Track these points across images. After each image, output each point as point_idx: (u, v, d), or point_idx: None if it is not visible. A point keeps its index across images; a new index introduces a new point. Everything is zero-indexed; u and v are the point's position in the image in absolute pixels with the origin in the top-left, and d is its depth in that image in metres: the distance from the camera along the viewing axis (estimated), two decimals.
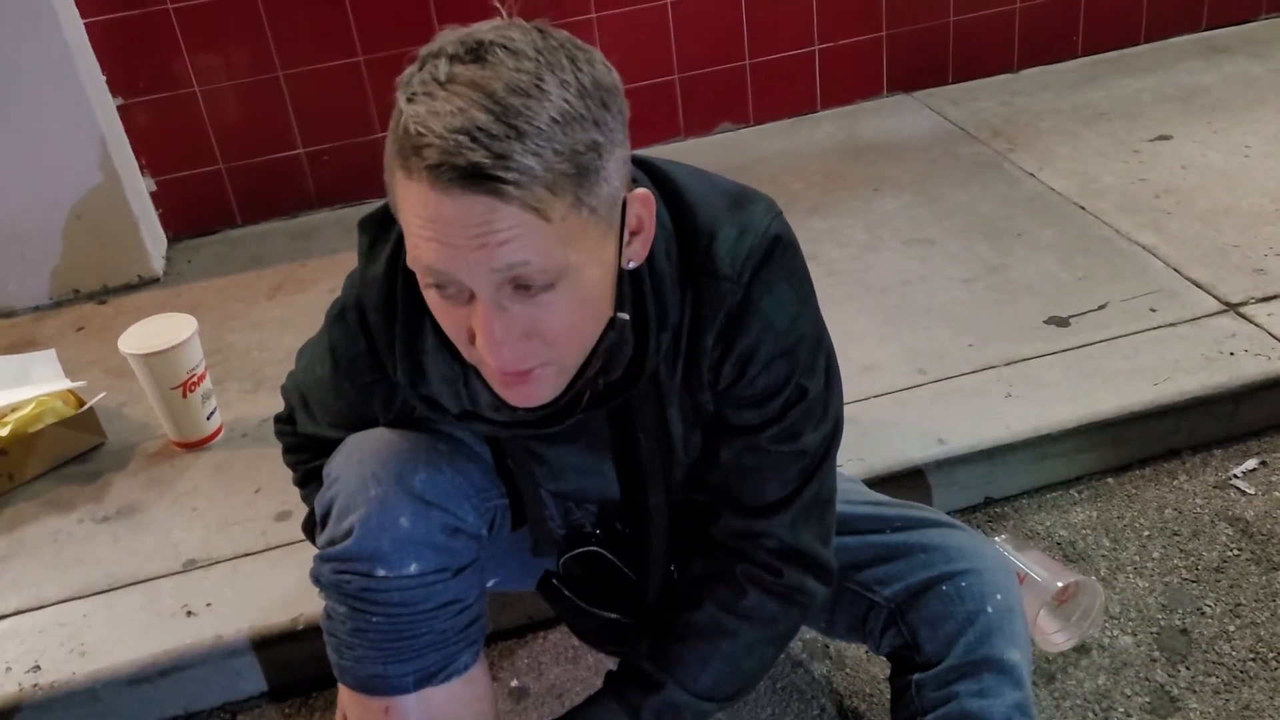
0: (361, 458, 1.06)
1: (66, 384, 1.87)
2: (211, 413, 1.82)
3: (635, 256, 0.92)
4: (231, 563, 1.58)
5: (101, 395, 1.87)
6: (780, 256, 0.99)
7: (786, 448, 1.05)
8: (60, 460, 1.81)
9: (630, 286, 0.95)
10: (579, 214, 0.82)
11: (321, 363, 1.10)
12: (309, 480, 1.23)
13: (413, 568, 1.02)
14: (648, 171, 1.00)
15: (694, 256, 0.97)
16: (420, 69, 0.81)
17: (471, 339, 0.87)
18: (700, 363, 1.01)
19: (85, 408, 1.82)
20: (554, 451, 1.12)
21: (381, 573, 1.02)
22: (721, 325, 0.99)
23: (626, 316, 0.93)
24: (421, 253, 0.82)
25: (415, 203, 0.81)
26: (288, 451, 1.26)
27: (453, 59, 0.80)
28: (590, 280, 0.86)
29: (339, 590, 1.04)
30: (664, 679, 1.11)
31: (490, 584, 1.23)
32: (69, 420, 1.80)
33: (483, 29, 0.82)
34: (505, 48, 0.80)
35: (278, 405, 1.25)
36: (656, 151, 2.89)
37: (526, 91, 0.78)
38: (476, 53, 0.80)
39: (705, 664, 1.11)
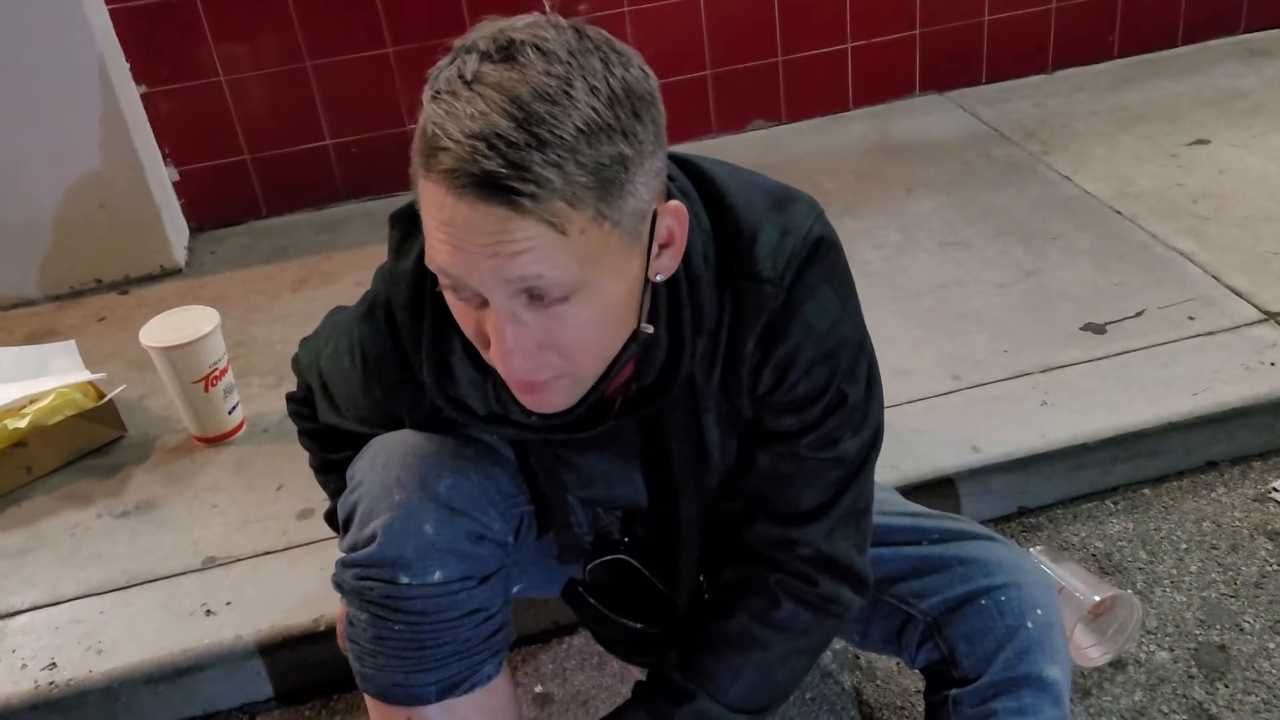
0: (386, 462, 1.03)
1: (86, 375, 1.85)
2: (233, 407, 1.80)
3: (664, 270, 0.89)
4: (252, 561, 1.56)
5: (122, 388, 1.86)
6: (823, 258, 0.96)
7: (825, 454, 1.02)
8: (79, 453, 1.80)
9: (665, 289, 0.92)
10: (600, 228, 0.79)
11: (350, 356, 1.08)
12: (328, 469, 1.21)
13: (437, 575, 1.00)
14: (686, 170, 0.97)
15: (734, 259, 0.94)
16: (450, 63, 0.79)
17: (486, 343, 0.85)
18: (739, 368, 0.98)
19: (105, 400, 1.81)
20: (584, 459, 1.09)
21: (405, 580, 0.99)
22: (762, 329, 0.96)
23: (651, 329, 0.90)
24: (436, 254, 0.80)
25: (432, 204, 0.79)
26: (305, 435, 1.23)
27: (483, 56, 0.77)
28: (610, 294, 0.83)
29: (361, 597, 1.02)
30: (694, 689, 1.08)
31: (514, 590, 1.21)
32: (88, 412, 1.78)
33: (517, 25, 0.79)
34: (537, 48, 0.77)
35: None
36: (688, 149, 2.87)
37: (553, 98, 0.75)
38: (507, 51, 0.77)
39: (737, 675, 1.08)
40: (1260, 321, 1.85)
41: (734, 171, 0.99)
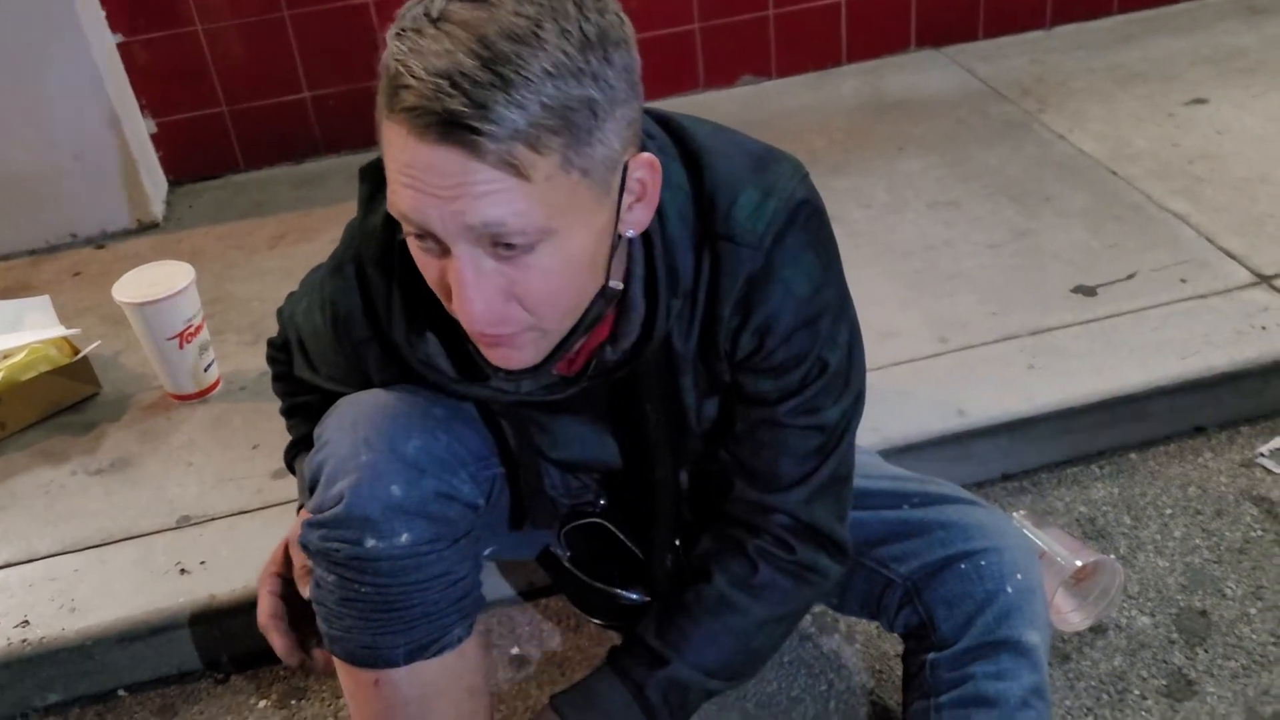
0: (354, 420, 1.01)
1: (61, 331, 1.83)
2: (209, 365, 1.78)
3: (636, 224, 0.87)
4: (227, 520, 1.54)
5: (96, 344, 1.83)
6: (806, 222, 0.94)
7: (804, 422, 1.01)
8: (53, 409, 1.77)
9: (641, 249, 0.90)
10: (567, 175, 0.77)
11: (321, 313, 1.06)
12: (296, 413, 1.20)
13: (404, 538, 0.98)
14: (667, 128, 0.94)
15: (714, 220, 0.92)
16: (418, 1, 0.76)
17: (449, 294, 0.82)
18: (717, 331, 0.96)
19: (79, 356, 1.78)
20: (558, 421, 1.07)
21: (371, 542, 0.97)
22: (741, 293, 0.94)
23: (620, 285, 0.88)
24: (398, 198, 0.78)
25: (394, 145, 0.76)
26: (278, 379, 1.22)
27: None
28: (577, 245, 0.81)
29: (327, 558, 0.99)
30: (670, 655, 1.07)
31: (487, 553, 1.19)
32: (63, 368, 1.76)
33: None
34: None
35: None
36: (675, 104, 2.80)
37: (521, 38, 0.73)
38: None
39: (713, 641, 1.07)
40: (1253, 285, 1.82)
41: (717, 130, 0.97)
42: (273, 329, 1.22)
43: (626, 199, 0.84)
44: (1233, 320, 1.74)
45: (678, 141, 0.94)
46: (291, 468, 1.22)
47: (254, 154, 2.54)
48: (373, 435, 0.99)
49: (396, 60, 0.74)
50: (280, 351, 1.20)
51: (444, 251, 0.80)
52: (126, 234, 2.34)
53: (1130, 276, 1.87)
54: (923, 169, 2.28)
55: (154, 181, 2.41)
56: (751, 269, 0.92)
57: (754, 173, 0.93)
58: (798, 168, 0.96)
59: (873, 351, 1.69)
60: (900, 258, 1.99)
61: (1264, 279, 1.83)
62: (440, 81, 0.72)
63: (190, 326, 1.70)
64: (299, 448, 1.18)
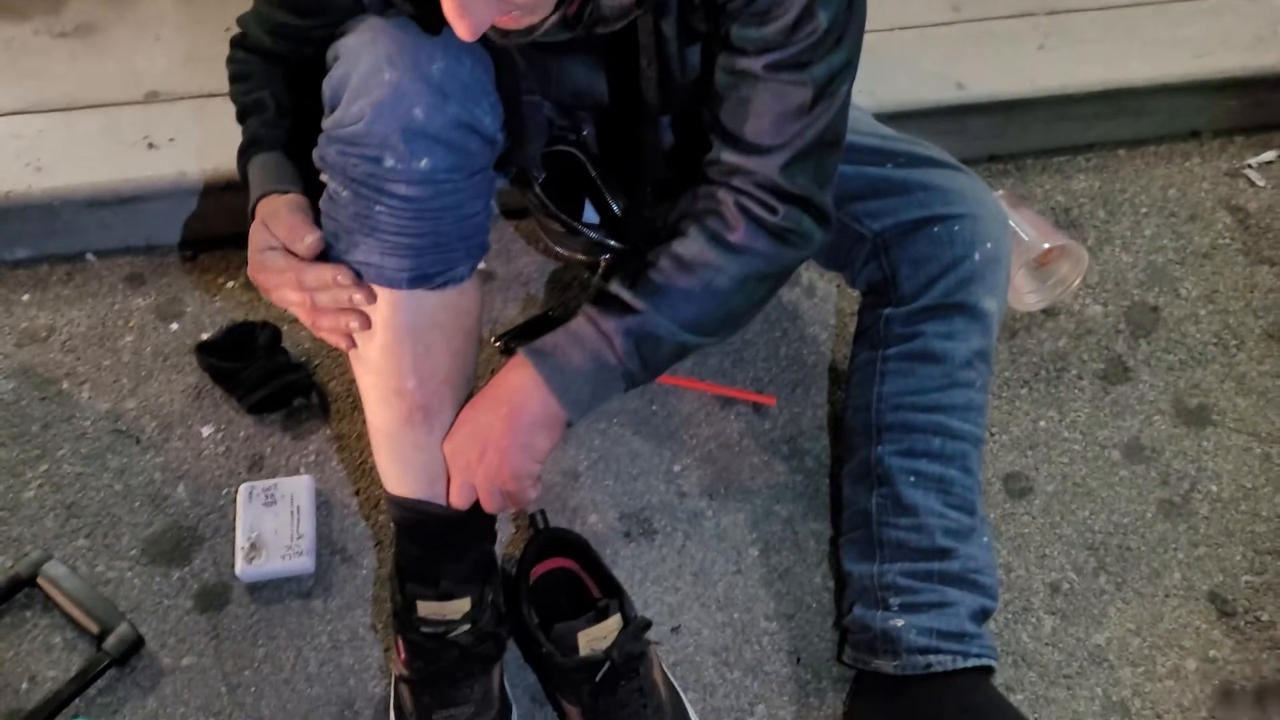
0: (374, 37, 0.94)
1: None
2: None
3: None
4: (197, 100, 1.50)
5: None
6: None
7: (788, 78, 0.95)
8: None
9: None
10: None
11: None
12: (250, 112, 1.09)
13: (424, 163, 0.93)
14: None
15: None
16: None
17: None
18: None
19: None
20: (554, 60, 1.03)
21: (390, 162, 0.93)
22: None
23: None
24: None
25: None
26: (234, 80, 1.10)
27: None
28: None
29: (344, 173, 0.95)
30: (644, 306, 1.03)
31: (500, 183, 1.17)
32: None
33: None
34: None
35: None
36: None
37: None
38: None
39: (688, 297, 1.03)
40: None
41: None
42: None
43: None
44: (1255, 24, 1.68)
45: None
46: (244, 173, 1.10)
47: None
48: (395, 53, 0.92)
49: None
50: (238, 49, 1.09)
51: None
52: None
53: None
54: None
55: None
56: None
57: None
58: None
59: (880, 11, 1.61)
60: None
61: None
62: None
63: None
64: (252, 150, 1.08)
